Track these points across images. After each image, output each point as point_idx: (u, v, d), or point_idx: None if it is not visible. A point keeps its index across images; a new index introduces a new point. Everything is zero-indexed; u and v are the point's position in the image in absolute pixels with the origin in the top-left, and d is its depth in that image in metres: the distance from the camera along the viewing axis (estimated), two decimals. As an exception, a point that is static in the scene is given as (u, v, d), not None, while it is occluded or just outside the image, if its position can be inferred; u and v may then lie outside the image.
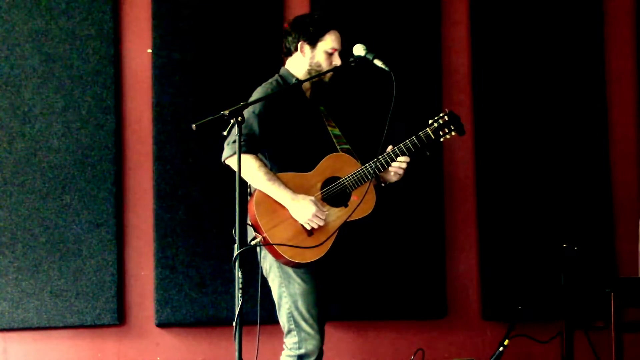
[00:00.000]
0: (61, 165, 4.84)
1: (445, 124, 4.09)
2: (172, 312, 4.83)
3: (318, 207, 3.86)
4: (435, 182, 5.09)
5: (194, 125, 3.79)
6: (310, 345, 3.94)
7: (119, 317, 4.83)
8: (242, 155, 3.83)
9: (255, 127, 3.91)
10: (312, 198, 3.88)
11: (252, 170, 3.89)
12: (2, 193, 4.81)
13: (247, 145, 3.89)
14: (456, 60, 5.19)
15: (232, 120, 3.65)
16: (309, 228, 3.89)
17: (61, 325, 4.79)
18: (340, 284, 4.94)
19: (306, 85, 4.12)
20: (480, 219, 5.11)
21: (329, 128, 4.11)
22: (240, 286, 3.57)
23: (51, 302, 4.78)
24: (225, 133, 3.73)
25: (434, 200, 5.08)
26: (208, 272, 4.84)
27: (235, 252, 3.60)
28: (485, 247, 5.10)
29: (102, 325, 4.82)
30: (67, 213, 4.82)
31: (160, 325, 4.86)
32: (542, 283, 4.97)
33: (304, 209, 3.85)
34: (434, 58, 5.14)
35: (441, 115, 4.11)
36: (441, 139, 4.09)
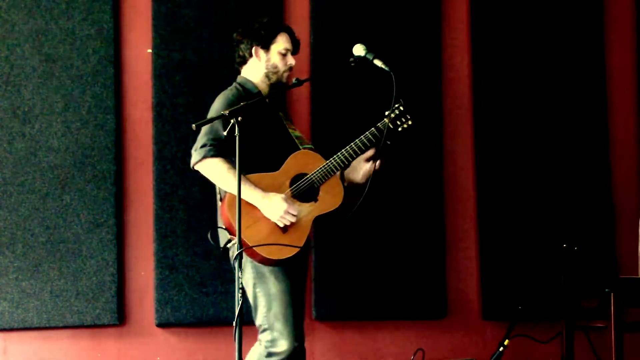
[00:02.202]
0: (61, 165, 4.85)
1: (402, 114, 4.14)
2: (172, 312, 4.83)
3: (289, 203, 3.91)
4: (435, 181, 5.09)
5: (194, 125, 3.81)
6: (283, 343, 3.93)
7: (119, 317, 4.83)
8: (211, 159, 3.94)
9: (221, 131, 3.93)
10: (283, 195, 3.92)
11: (221, 173, 3.93)
12: (2, 193, 4.81)
13: (216, 149, 3.94)
14: (456, 60, 5.19)
15: (232, 120, 3.66)
16: (281, 225, 3.92)
17: (61, 325, 4.79)
18: (341, 284, 4.94)
19: (265, 89, 4.17)
20: (480, 219, 5.11)
21: (290, 130, 4.17)
22: (240, 286, 3.58)
23: (51, 302, 4.78)
24: (225, 133, 3.74)
25: (434, 200, 5.08)
26: (208, 272, 4.84)
27: (235, 252, 3.60)
28: (485, 247, 5.10)
29: (102, 325, 4.83)
30: (67, 213, 4.83)
31: (160, 325, 4.86)
32: (542, 283, 4.97)
33: (275, 207, 3.89)
34: (434, 58, 5.14)
35: (396, 105, 4.14)
36: (399, 129, 4.14)
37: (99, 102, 4.89)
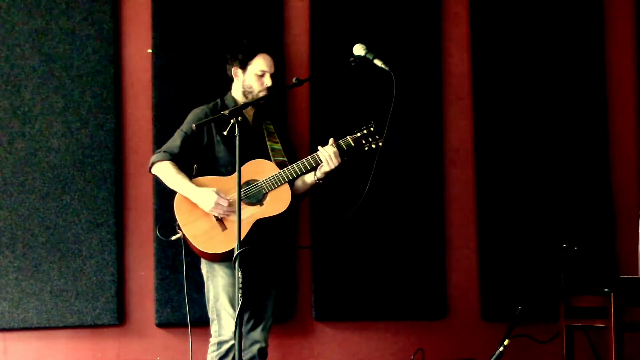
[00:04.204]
0: (61, 165, 4.85)
1: (370, 134, 4.27)
2: (172, 312, 4.82)
3: (220, 196, 4.11)
4: (435, 182, 5.09)
5: (194, 125, 3.82)
6: (228, 331, 4.17)
7: (119, 317, 4.83)
8: (160, 163, 4.24)
9: (178, 142, 4.27)
10: (215, 189, 4.12)
11: (166, 173, 4.23)
12: (2, 193, 4.81)
13: (168, 156, 4.24)
14: (456, 59, 5.19)
15: (232, 120, 3.68)
16: (215, 215, 4.12)
17: (61, 325, 4.79)
18: (340, 284, 4.94)
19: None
20: (480, 219, 5.11)
21: (269, 143, 4.36)
22: (240, 286, 3.58)
23: (51, 302, 4.78)
24: (225, 133, 3.75)
25: (434, 200, 5.08)
26: (208, 272, 4.83)
27: (235, 252, 3.61)
28: (485, 247, 5.10)
29: (102, 325, 4.83)
30: (67, 213, 4.83)
31: (160, 325, 4.86)
32: (542, 283, 4.97)
33: (207, 198, 4.11)
34: (434, 57, 5.14)
35: (367, 125, 4.27)
36: (365, 148, 4.27)
37: (99, 102, 4.89)
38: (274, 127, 4.45)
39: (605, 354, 4.46)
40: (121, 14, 4.97)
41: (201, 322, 4.82)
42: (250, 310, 4.26)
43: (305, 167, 4.22)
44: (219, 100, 4.40)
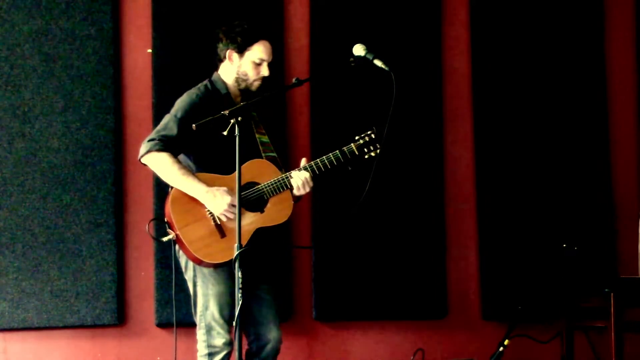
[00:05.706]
0: (61, 165, 4.85)
1: (372, 142, 4.09)
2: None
3: (233, 196, 3.84)
4: (435, 182, 5.09)
5: (194, 125, 3.80)
6: (218, 342, 3.97)
7: (119, 317, 4.83)
8: (157, 153, 3.91)
9: (174, 130, 3.95)
10: (227, 189, 3.88)
11: (166, 166, 3.92)
12: (2, 193, 4.81)
13: (163, 145, 3.93)
14: (456, 60, 5.19)
15: (232, 120, 3.67)
16: (224, 219, 3.89)
17: (61, 325, 4.79)
18: (340, 284, 4.94)
19: (236, 92, 4.13)
20: (480, 219, 5.11)
21: (257, 135, 4.13)
22: (240, 286, 3.58)
23: (51, 302, 4.78)
24: (225, 133, 3.74)
25: (434, 201, 5.08)
26: (208, 272, 4.83)
27: (235, 252, 3.60)
28: (485, 247, 5.10)
29: (102, 325, 4.83)
30: (67, 213, 4.83)
31: (160, 325, 4.86)
32: (542, 283, 4.97)
33: (219, 200, 3.87)
34: (434, 58, 5.14)
35: (368, 132, 4.09)
36: (365, 156, 4.07)
37: (99, 102, 4.89)
38: (257, 116, 4.21)
39: (606, 354, 4.46)
40: (121, 14, 4.97)
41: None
42: (248, 318, 4.02)
43: (314, 172, 4.00)
44: (207, 82, 4.14)
